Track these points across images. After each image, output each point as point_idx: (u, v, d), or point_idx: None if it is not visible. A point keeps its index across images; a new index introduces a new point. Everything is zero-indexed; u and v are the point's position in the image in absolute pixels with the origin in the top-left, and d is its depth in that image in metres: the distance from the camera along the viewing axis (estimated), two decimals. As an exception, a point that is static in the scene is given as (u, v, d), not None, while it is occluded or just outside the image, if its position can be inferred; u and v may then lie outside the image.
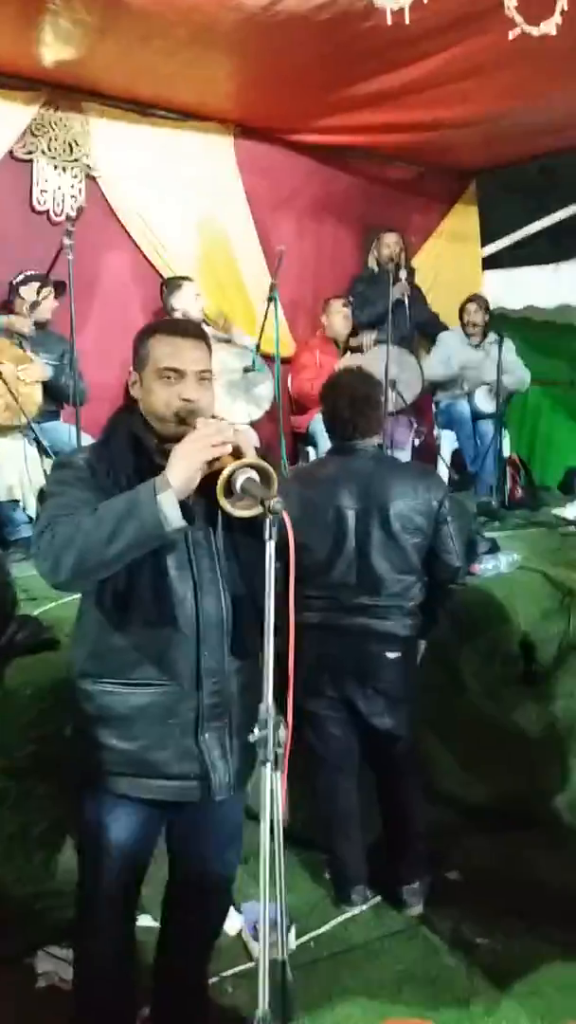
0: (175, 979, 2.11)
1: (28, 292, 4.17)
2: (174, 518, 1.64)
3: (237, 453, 1.70)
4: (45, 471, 3.68)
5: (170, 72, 4.32)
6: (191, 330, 1.88)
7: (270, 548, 1.62)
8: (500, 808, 3.33)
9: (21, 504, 3.93)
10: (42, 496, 1.87)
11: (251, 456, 1.70)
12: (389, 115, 4.90)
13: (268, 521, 1.63)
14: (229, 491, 1.68)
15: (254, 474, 1.68)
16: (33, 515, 3.82)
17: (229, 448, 1.69)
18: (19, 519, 3.94)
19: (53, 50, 4.00)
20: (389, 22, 3.12)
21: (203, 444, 1.67)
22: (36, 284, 4.15)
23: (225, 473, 1.67)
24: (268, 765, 1.65)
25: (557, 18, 3.64)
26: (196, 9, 3.57)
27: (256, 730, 1.62)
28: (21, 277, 4.22)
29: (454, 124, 5.08)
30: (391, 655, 2.80)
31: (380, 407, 3.00)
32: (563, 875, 3.04)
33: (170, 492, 1.64)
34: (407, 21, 3.10)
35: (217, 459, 1.69)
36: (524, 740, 3.52)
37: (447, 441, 5.32)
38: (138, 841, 1.90)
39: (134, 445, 1.83)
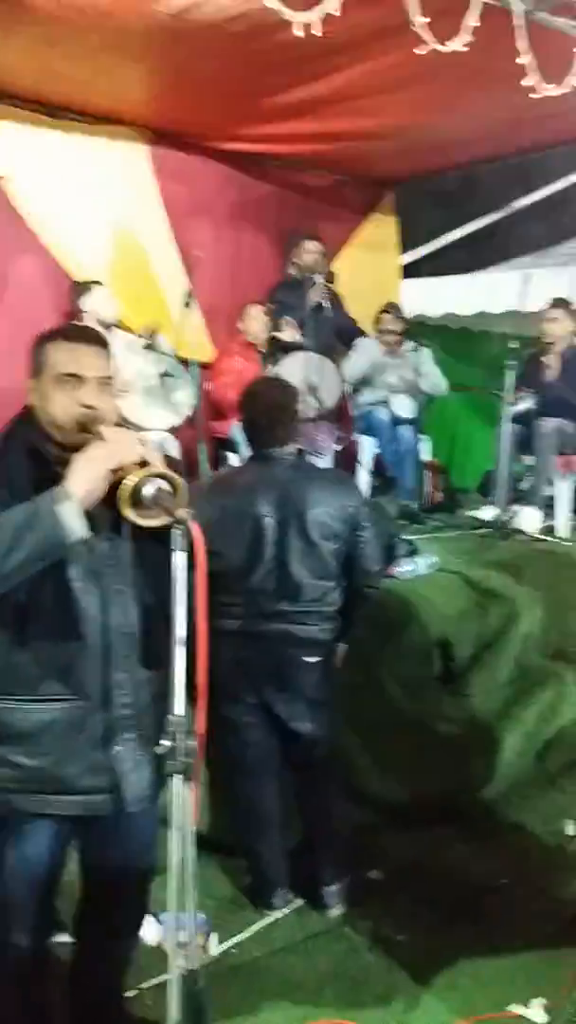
0: (91, 994, 2.08)
1: None
2: (75, 528, 1.62)
3: (143, 462, 1.70)
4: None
5: (82, 78, 4.27)
6: (91, 335, 1.86)
7: (179, 559, 1.62)
8: (419, 805, 3.38)
9: None
10: None
11: (157, 465, 1.69)
12: (305, 125, 4.94)
13: (177, 532, 1.63)
14: (136, 500, 1.68)
15: (162, 483, 1.68)
16: None
17: (134, 457, 1.69)
18: None
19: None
20: (300, 34, 3.16)
21: (106, 452, 1.66)
22: None
23: (131, 483, 1.67)
24: (178, 775, 1.65)
25: (465, 36, 3.72)
26: (107, 15, 3.54)
27: (165, 741, 1.62)
28: None
29: (370, 135, 5.15)
30: (310, 659, 2.83)
31: (297, 416, 3.03)
32: (479, 869, 3.11)
33: (71, 502, 1.61)
34: (318, 33, 3.15)
35: (121, 468, 1.68)
36: (442, 737, 3.59)
37: (368, 447, 5.39)
38: (48, 858, 1.87)
39: (31, 454, 1.78)
